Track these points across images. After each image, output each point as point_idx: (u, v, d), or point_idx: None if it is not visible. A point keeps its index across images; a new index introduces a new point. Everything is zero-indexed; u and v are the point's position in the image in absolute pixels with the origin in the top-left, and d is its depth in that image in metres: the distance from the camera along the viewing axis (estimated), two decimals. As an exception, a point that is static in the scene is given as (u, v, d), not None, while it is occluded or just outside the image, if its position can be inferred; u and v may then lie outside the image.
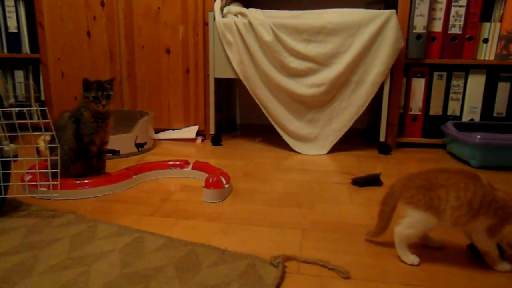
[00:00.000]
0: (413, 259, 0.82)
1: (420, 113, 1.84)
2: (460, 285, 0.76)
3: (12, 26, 2.14)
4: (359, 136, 2.10)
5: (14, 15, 2.12)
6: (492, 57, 1.75)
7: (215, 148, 1.83)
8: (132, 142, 1.68)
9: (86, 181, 1.21)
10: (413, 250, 0.85)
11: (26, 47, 2.16)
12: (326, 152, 1.74)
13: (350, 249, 0.89)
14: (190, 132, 1.97)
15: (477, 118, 1.81)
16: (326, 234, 0.96)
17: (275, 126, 1.80)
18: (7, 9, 2.12)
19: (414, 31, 1.74)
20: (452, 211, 0.77)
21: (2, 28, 2.15)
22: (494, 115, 1.80)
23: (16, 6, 2.11)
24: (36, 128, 1.09)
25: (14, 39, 2.15)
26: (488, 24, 1.73)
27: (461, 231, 0.84)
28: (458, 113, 1.82)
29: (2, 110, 1.01)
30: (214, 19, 1.76)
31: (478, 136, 1.51)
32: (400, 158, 1.69)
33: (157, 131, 2.01)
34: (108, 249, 0.86)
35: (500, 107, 1.79)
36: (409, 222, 0.81)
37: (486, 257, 0.82)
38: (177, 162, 1.42)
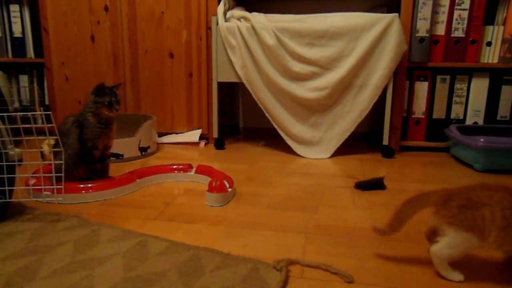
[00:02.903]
0: (458, 275, 0.78)
1: (423, 116, 1.83)
2: (464, 290, 0.76)
3: (17, 31, 2.16)
4: (362, 140, 2.10)
5: (19, 20, 2.14)
6: (495, 60, 1.75)
7: (218, 151, 1.83)
8: (135, 146, 1.69)
9: (90, 185, 1.21)
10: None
11: (30, 52, 2.18)
12: (329, 155, 1.74)
13: (354, 253, 0.89)
14: (193, 135, 1.97)
15: (480, 122, 1.80)
16: (329, 238, 0.96)
17: (278, 129, 1.80)
18: (12, 14, 2.14)
19: (417, 34, 1.74)
20: (498, 232, 0.72)
21: (7, 33, 2.16)
22: (498, 118, 1.80)
23: (21, 12, 2.13)
24: (40, 132, 1.09)
25: (19, 44, 2.17)
26: (491, 27, 1.73)
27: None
28: (461, 117, 1.82)
29: (7, 115, 1.02)
30: (217, 23, 1.77)
31: (482, 140, 1.51)
32: (403, 161, 1.69)
33: (161, 135, 2.02)
34: (112, 253, 0.87)
35: (503, 110, 1.79)
36: (450, 242, 0.76)
37: None
38: (181, 166, 1.42)
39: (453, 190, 0.79)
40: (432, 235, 0.85)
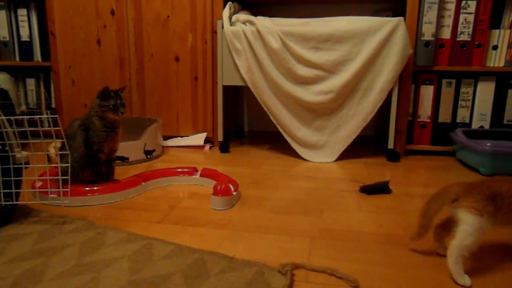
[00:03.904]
0: (467, 280, 0.78)
1: (428, 120, 1.83)
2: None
3: (25, 35, 2.18)
4: (367, 144, 2.09)
5: (26, 24, 2.16)
6: (501, 64, 1.74)
7: (223, 155, 1.84)
8: (141, 149, 1.69)
9: (95, 188, 1.22)
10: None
11: (37, 56, 2.19)
12: (334, 159, 1.74)
13: (359, 258, 0.88)
14: (198, 139, 1.98)
15: (486, 126, 1.79)
16: (334, 242, 0.96)
17: (283, 133, 1.80)
18: (19, 18, 2.16)
19: (422, 38, 1.74)
20: (503, 215, 0.81)
21: (15, 37, 2.19)
22: (504, 122, 1.79)
23: (28, 16, 2.15)
24: (47, 135, 1.10)
25: (26, 48, 2.19)
26: (497, 31, 1.72)
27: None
28: (467, 120, 1.81)
29: (14, 118, 1.03)
30: (223, 27, 1.78)
31: (488, 144, 1.50)
32: (408, 165, 1.68)
33: (166, 138, 2.03)
34: (117, 255, 0.87)
35: (510, 114, 1.78)
36: (469, 230, 0.80)
37: None
38: (186, 169, 1.42)
39: (472, 182, 0.84)
40: (442, 232, 0.88)
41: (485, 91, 1.77)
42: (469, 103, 1.80)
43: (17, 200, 1.06)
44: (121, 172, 1.51)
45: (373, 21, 1.64)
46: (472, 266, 0.84)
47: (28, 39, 2.18)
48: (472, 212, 0.79)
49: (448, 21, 1.73)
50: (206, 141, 1.99)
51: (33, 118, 1.11)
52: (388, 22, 1.63)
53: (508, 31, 1.72)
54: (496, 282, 0.79)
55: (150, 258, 0.86)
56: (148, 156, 1.73)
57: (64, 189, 1.12)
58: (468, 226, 0.79)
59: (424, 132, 1.84)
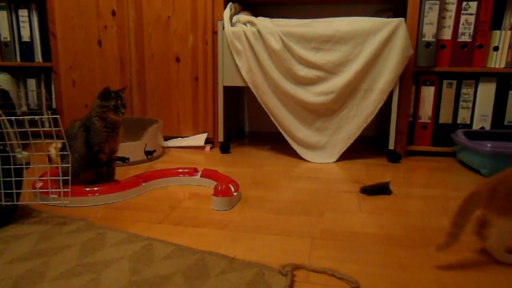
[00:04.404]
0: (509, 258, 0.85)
1: (429, 121, 1.83)
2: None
3: (26, 36, 2.18)
4: (368, 144, 2.09)
5: (27, 25, 2.17)
6: (502, 65, 1.74)
7: (224, 155, 1.84)
8: (141, 149, 1.69)
9: (96, 189, 1.22)
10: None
11: (38, 56, 2.20)
12: (334, 160, 1.74)
13: (359, 258, 0.88)
14: (199, 139, 1.98)
15: (487, 126, 1.79)
16: (335, 243, 0.96)
17: (284, 134, 1.80)
18: (20, 19, 2.17)
19: (423, 39, 1.74)
20: None
21: (16, 38, 2.19)
22: (505, 123, 1.79)
23: (29, 16, 2.16)
24: (47, 135, 1.10)
25: (27, 48, 2.19)
26: (498, 32, 1.72)
27: None
28: (468, 121, 1.81)
29: (15, 118, 1.03)
30: (223, 28, 1.78)
31: (489, 145, 1.50)
32: (409, 166, 1.68)
33: (166, 138, 2.03)
34: (118, 256, 0.87)
35: (511, 115, 1.78)
36: (500, 232, 0.83)
37: None
38: (186, 170, 1.42)
39: (495, 180, 0.84)
40: (481, 229, 0.89)
41: (486, 92, 1.77)
42: (470, 104, 1.80)
43: (17, 201, 1.06)
44: (121, 172, 1.51)
45: (374, 21, 1.64)
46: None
47: (29, 40, 2.18)
48: (501, 217, 0.81)
49: (449, 22, 1.73)
50: (207, 141, 1.99)
51: (34, 118, 1.11)
52: (389, 23, 1.63)
53: (509, 32, 1.71)
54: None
55: (151, 259, 0.86)
56: (149, 156, 1.73)
57: (65, 190, 1.12)
58: (500, 229, 0.83)
59: (424, 133, 1.84)
